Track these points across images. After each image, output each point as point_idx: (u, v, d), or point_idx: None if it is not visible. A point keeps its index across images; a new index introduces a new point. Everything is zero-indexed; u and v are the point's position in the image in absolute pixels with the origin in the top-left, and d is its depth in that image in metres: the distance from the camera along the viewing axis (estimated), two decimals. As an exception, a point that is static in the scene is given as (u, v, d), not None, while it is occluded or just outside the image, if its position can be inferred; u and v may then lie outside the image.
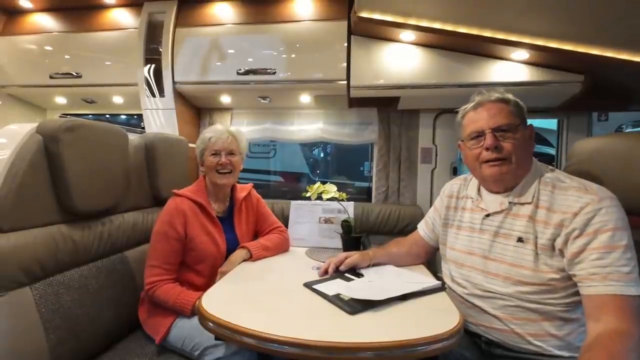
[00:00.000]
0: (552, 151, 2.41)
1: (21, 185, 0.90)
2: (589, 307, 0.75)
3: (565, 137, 2.00)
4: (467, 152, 0.97)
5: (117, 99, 2.23)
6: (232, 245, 1.24)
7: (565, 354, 0.82)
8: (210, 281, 1.18)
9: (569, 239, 0.79)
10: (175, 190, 1.23)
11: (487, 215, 0.96)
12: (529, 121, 0.93)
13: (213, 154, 1.25)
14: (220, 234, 1.23)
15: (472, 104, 0.96)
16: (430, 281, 0.96)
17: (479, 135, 0.92)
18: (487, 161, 0.91)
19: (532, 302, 0.84)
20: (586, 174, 0.97)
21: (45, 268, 0.94)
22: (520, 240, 0.87)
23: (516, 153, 0.88)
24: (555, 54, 1.44)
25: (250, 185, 1.44)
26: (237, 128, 1.67)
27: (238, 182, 1.40)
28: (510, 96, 0.92)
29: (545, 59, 1.54)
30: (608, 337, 0.68)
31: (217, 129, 1.29)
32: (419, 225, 1.24)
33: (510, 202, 0.91)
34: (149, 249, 1.16)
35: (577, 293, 0.80)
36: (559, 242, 0.81)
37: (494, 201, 0.96)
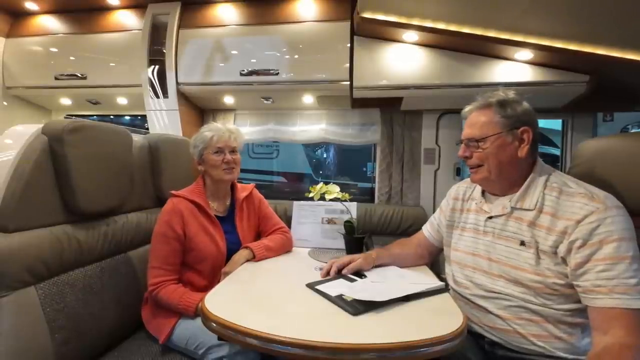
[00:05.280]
0: (557, 152, 2.39)
1: (26, 186, 0.91)
2: (595, 319, 0.74)
3: (569, 137, 1.99)
4: None
5: (122, 100, 2.24)
6: (233, 245, 1.25)
7: (570, 356, 0.81)
8: (211, 281, 1.19)
9: (572, 248, 0.78)
10: (172, 191, 1.23)
11: (490, 218, 0.96)
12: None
13: (216, 152, 1.25)
14: (220, 234, 1.24)
15: (466, 109, 0.99)
16: (434, 282, 0.96)
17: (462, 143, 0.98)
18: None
19: (535, 304, 0.83)
20: (591, 174, 0.96)
21: (50, 268, 0.94)
22: (522, 243, 0.87)
23: (487, 161, 0.91)
24: (560, 53, 1.43)
25: (252, 185, 1.44)
26: (235, 126, 1.67)
27: (240, 182, 1.41)
28: (494, 100, 0.91)
29: (550, 59, 1.53)
30: (619, 349, 0.68)
31: (217, 127, 1.29)
32: (423, 227, 1.24)
33: (512, 207, 0.91)
34: (150, 250, 1.17)
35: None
36: (561, 250, 0.80)
37: (497, 204, 0.96)
